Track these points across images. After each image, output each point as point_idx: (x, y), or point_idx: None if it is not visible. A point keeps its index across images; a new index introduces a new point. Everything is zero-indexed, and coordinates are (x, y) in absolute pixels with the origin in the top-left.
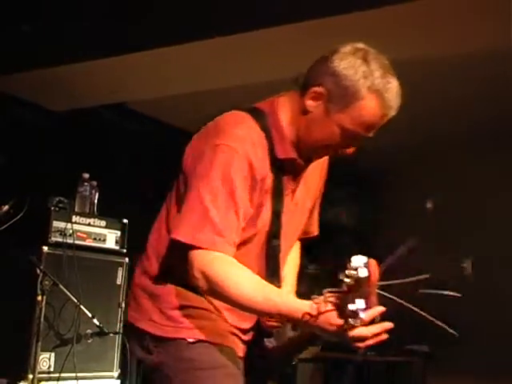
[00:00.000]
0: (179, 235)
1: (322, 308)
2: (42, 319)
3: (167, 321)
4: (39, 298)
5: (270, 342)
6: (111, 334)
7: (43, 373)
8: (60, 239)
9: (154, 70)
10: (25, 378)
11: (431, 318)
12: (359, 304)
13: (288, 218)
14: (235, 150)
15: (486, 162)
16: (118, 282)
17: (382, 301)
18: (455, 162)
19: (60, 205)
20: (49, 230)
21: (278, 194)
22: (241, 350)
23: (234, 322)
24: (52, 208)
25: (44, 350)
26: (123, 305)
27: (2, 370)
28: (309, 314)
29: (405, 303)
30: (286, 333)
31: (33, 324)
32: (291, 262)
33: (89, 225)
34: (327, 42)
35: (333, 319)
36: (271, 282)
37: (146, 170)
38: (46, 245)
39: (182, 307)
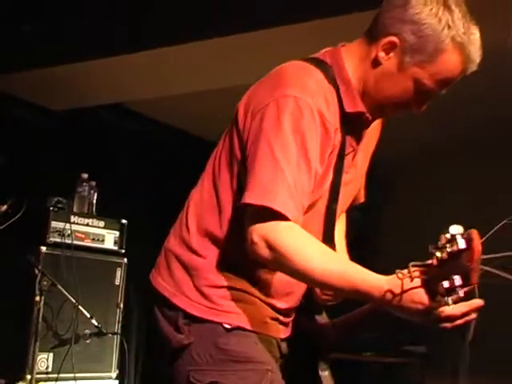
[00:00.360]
0: (251, 198)
1: (406, 285)
2: (41, 319)
3: (202, 299)
4: (37, 298)
5: (322, 319)
6: (109, 335)
7: (41, 373)
8: (58, 239)
9: (153, 70)
10: (23, 379)
11: None
12: (456, 281)
13: (346, 181)
14: (306, 103)
15: (484, 164)
16: (117, 282)
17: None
18: (454, 162)
19: (58, 205)
20: (47, 230)
21: (341, 154)
22: (283, 333)
23: (281, 305)
24: (50, 208)
25: (42, 351)
26: (121, 305)
27: (0, 370)
28: (392, 291)
29: None
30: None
31: (31, 324)
32: (341, 228)
33: (87, 225)
34: (327, 42)
35: (420, 297)
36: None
37: (145, 170)
38: (44, 245)
39: (221, 287)
